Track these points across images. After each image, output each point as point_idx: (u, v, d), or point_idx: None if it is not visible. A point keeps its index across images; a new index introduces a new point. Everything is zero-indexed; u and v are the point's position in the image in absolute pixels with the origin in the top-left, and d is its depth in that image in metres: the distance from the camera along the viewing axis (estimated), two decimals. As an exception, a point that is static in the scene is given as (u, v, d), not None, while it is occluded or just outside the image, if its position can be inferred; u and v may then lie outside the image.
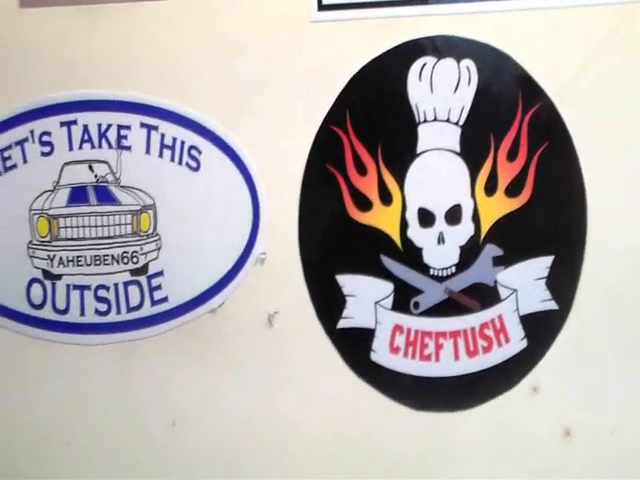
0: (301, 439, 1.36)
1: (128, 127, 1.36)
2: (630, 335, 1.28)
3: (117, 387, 1.39)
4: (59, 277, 1.39)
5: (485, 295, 1.31)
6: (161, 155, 1.36)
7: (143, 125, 1.36)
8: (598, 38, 1.23)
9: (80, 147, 1.38)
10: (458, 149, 1.28)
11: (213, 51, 1.32)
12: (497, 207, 1.29)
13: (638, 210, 1.26)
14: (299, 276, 1.34)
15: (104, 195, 1.38)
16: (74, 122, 1.37)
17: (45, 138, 1.37)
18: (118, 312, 1.39)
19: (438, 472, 1.33)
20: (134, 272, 1.38)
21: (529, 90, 1.26)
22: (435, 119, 1.28)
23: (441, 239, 1.30)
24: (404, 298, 1.32)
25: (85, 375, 1.40)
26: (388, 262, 1.31)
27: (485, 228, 1.30)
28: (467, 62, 1.27)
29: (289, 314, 1.35)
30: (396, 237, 1.31)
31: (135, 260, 1.38)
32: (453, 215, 1.30)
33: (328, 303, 1.34)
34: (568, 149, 1.26)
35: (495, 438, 1.33)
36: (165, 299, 1.38)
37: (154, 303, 1.39)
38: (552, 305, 1.31)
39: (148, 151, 1.36)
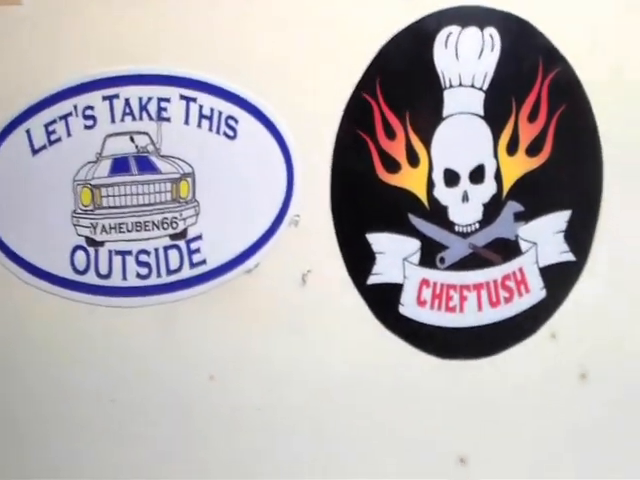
0: (333, 389, 1.37)
1: (168, 99, 1.34)
2: (643, 283, 1.23)
3: (159, 345, 1.38)
4: (102, 244, 1.38)
5: (507, 249, 1.32)
6: (199, 125, 1.35)
7: (182, 97, 1.34)
8: (615, 4, 1.23)
9: (122, 120, 1.35)
10: (482, 112, 1.29)
11: (248, 24, 1.30)
12: (518, 166, 1.30)
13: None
14: (331, 236, 1.34)
15: (145, 164, 1.36)
16: (116, 96, 1.34)
17: (88, 112, 1.35)
18: (159, 275, 1.38)
19: (463, 415, 1.36)
20: (174, 237, 1.37)
21: (549, 55, 1.27)
22: (460, 84, 1.28)
23: (465, 197, 1.31)
24: (430, 254, 1.33)
25: (128, 335, 1.38)
26: (415, 220, 1.32)
27: (507, 186, 1.31)
28: (490, 30, 1.27)
29: (322, 272, 1.34)
30: (423, 197, 1.32)
31: (175, 225, 1.37)
32: (477, 175, 1.30)
33: (359, 261, 1.34)
34: (585, 110, 1.27)
35: (516, 382, 1.34)
36: (203, 262, 1.38)
37: (193, 266, 1.38)
38: (570, 257, 1.32)
39: (187, 122, 1.35)
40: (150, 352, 1.38)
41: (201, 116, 1.34)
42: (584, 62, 1.25)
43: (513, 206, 1.31)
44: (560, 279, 1.33)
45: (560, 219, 1.31)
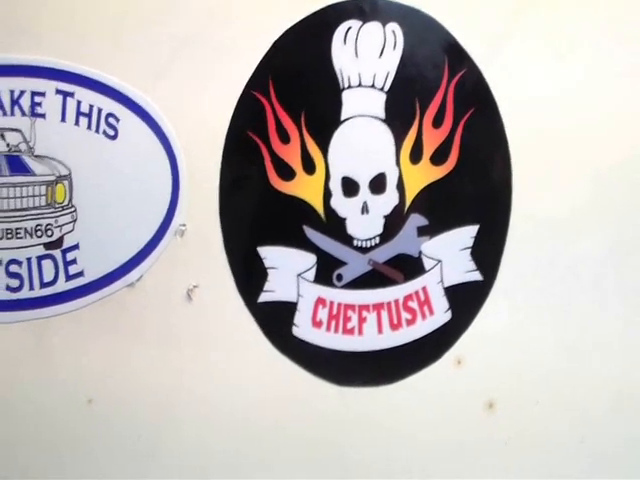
0: (222, 414, 1.23)
1: (42, 94, 1.20)
2: (553, 305, 1.17)
3: (31, 366, 1.23)
4: (-32, 252, 1.17)
5: (409, 266, 1.18)
6: (77, 123, 1.20)
7: (59, 92, 1.20)
8: (524, 3, 1.10)
9: (-9, 115, 1.15)
10: (383, 116, 1.15)
11: (131, 14, 1.16)
12: (422, 175, 1.16)
13: (563, 179, 1.14)
14: (220, 248, 1.19)
15: (17, 165, 1.21)
16: (-17, 88, 1.14)
17: (-48, 106, 1.14)
18: (31, 288, 1.23)
19: (362, 446, 1.22)
20: (48, 246, 1.22)
21: (455, 55, 1.13)
22: (360, 85, 1.14)
23: (365, 209, 1.17)
24: (327, 270, 1.18)
25: (-3, 354, 1.17)
26: (311, 233, 1.17)
27: (410, 197, 1.17)
28: (393, 26, 1.13)
29: (209, 288, 1.20)
30: (319, 207, 1.17)
31: (49, 233, 1.22)
32: (377, 184, 1.16)
33: (249, 276, 1.19)
34: (494, 116, 1.14)
35: (419, 411, 1.21)
36: (81, 273, 1.23)
37: (69, 278, 1.23)
38: (477, 276, 1.18)
39: (64, 119, 1.20)
40: (21, 373, 1.23)
41: (79, 113, 1.21)
42: (491, 63, 1.13)
43: (416, 219, 1.17)
44: (466, 300, 1.19)
45: (466, 235, 1.18)
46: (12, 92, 1.20)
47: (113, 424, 1.22)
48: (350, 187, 1.16)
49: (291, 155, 1.16)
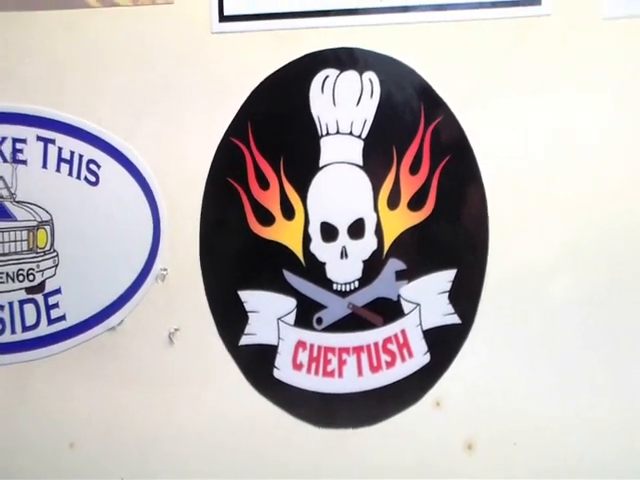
0: (203, 458, 1.22)
1: (24, 140, 1.20)
2: (530, 348, 1.16)
3: (12, 409, 1.23)
4: (-49, 296, 1.15)
5: (388, 310, 1.17)
6: (58, 169, 1.20)
7: (40, 138, 1.20)
8: (499, 51, 1.12)
9: (-28, 161, 1.14)
10: (361, 162, 1.15)
11: (113, 62, 1.17)
12: (400, 221, 1.16)
13: (538, 223, 1.14)
14: (200, 292, 1.19)
15: None
16: (-34, 135, 1.13)
17: None
18: (13, 332, 1.23)
19: None
20: (30, 290, 1.22)
21: (431, 103, 1.14)
22: (338, 132, 1.15)
23: (344, 253, 1.16)
24: (307, 313, 1.18)
25: (-21, 397, 1.15)
26: (291, 277, 1.17)
27: (388, 242, 1.16)
28: (369, 74, 1.14)
29: (190, 331, 1.20)
30: (299, 252, 1.17)
31: (31, 278, 1.21)
32: (356, 229, 1.16)
33: (230, 319, 1.19)
34: (470, 162, 1.14)
35: (399, 453, 1.19)
36: (63, 317, 1.22)
37: (51, 322, 1.22)
38: (455, 319, 1.17)
39: (45, 165, 1.20)
40: (3, 417, 1.24)
41: (60, 159, 1.21)
42: (467, 110, 1.13)
43: (395, 264, 1.17)
44: (445, 343, 1.18)
45: (444, 278, 1.17)
46: (-6, 139, 1.15)
47: (95, 467, 1.22)
48: (329, 232, 1.16)
49: (270, 201, 1.16)
